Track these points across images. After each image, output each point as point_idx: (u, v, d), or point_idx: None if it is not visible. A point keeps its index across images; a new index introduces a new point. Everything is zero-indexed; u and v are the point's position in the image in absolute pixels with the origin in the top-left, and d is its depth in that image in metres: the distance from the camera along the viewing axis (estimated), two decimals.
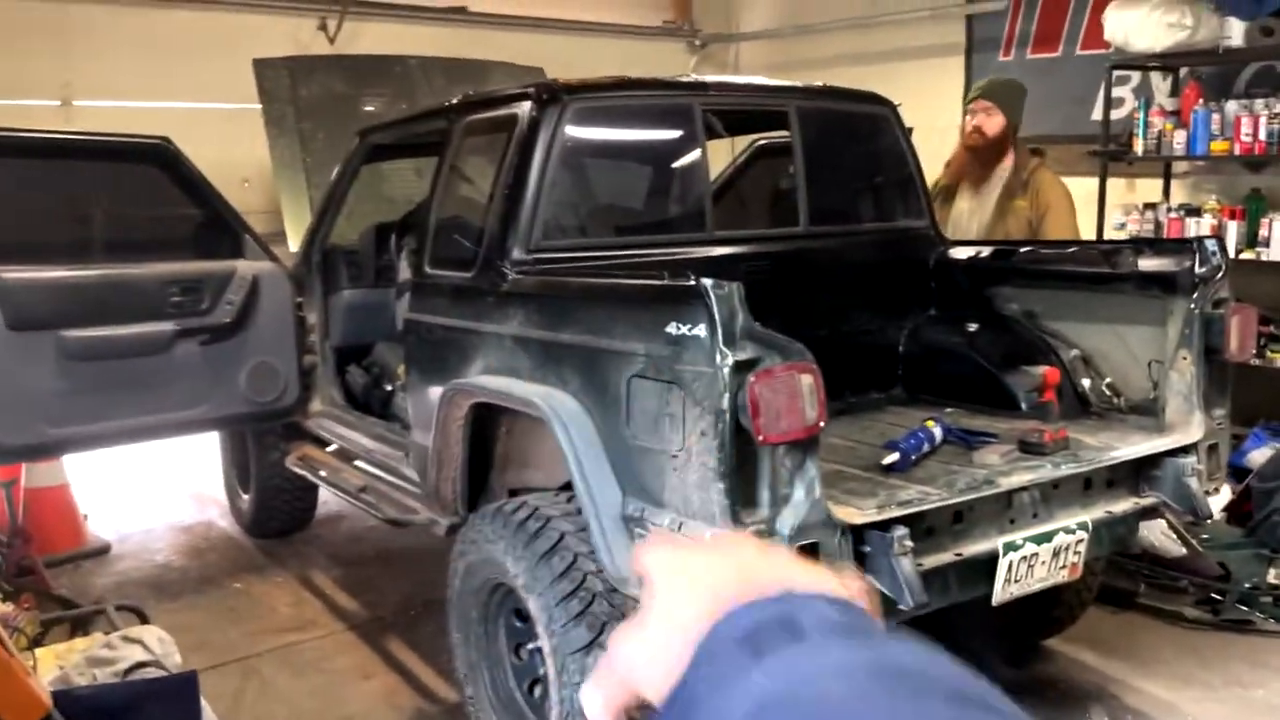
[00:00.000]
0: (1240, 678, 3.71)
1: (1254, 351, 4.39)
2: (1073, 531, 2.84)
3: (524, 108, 3.30)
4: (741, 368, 2.31)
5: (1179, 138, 5.48)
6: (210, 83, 6.77)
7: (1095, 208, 5.67)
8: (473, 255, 3.35)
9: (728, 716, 0.51)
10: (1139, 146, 5.69)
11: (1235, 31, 5.20)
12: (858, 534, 2.47)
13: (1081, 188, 4.70)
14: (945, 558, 2.66)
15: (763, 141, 4.50)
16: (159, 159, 4.25)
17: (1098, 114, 6.08)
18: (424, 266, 3.69)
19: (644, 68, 3.62)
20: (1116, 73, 5.91)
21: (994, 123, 4.60)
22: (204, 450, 5.83)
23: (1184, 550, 4.28)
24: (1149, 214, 5.73)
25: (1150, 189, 6.01)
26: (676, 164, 3.77)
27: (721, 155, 4.43)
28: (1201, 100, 5.46)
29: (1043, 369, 3.49)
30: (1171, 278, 3.22)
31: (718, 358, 2.32)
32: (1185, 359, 3.18)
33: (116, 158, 4.32)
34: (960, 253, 4.00)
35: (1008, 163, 4.61)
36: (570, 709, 2.73)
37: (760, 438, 2.31)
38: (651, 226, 3.82)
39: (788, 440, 2.34)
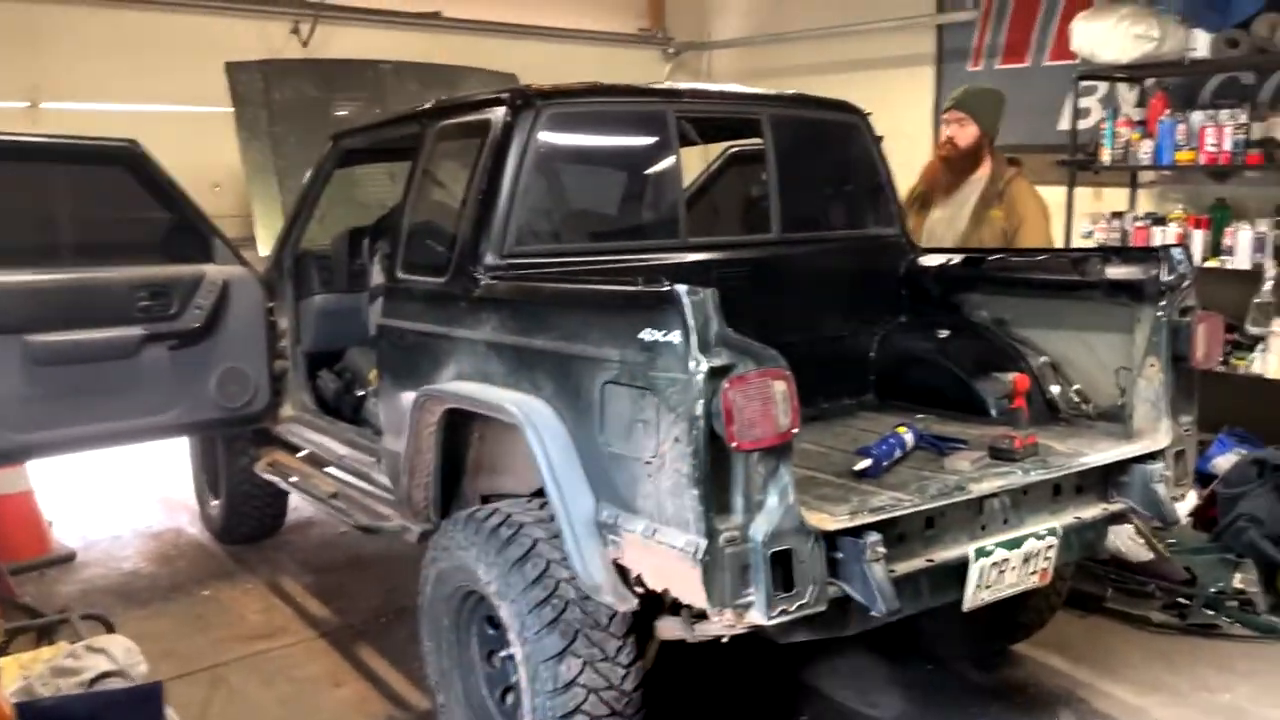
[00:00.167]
0: (1207, 682, 3.76)
1: (1220, 358, 4.46)
2: (1043, 537, 2.86)
3: (498, 113, 3.30)
4: (715, 374, 2.31)
5: (1145, 147, 5.55)
6: (181, 86, 6.70)
7: (1063, 217, 5.74)
8: (446, 260, 3.34)
9: None
10: (1106, 156, 5.75)
11: (1201, 43, 5.28)
12: (830, 540, 2.47)
13: (1049, 197, 4.73)
14: (917, 564, 2.67)
15: (735, 149, 4.51)
16: (126, 161, 4.21)
17: (1065, 124, 6.15)
18: (397, 271, 3.67)
19: (618, 75, 3.62)
20: (1083, 83, 5.97)
21: (966, 133, 4.62)
22: (173, 456, 5.77)
23: (1151, 555, 4.33)
24: (1116, 223, 5.80)
25: (1117, 198, 6.09)
26: (650, 170, 3.78)
27: (695, 162, 4.44)
28: (1167, 111, 5.53)
29: (1012, 376, 3.52)
30: (1139, 286, 3.26)
31: (691, 364, 2.32)
32: (1153, 366, 3.21)
33: (84, 160, 4.28)
34: (931, 260, 4.03)
35: (983, 172, 4.62)
36: (543, 717, 2.72)
37: (734, 444, 2.31)
38: (625, 232, 3.82)
39: (761, 447, 2.34)
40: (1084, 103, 6.11)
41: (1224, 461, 4.92)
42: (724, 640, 2.57)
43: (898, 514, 2.62)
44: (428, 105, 3.81)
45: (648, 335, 2.42)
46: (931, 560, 2.69)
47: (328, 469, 4.35)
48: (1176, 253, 3.24)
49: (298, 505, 5.30)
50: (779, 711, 3.62)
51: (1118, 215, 5.83)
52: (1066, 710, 3.60)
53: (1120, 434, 3.26)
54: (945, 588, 2.73)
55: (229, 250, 4.43)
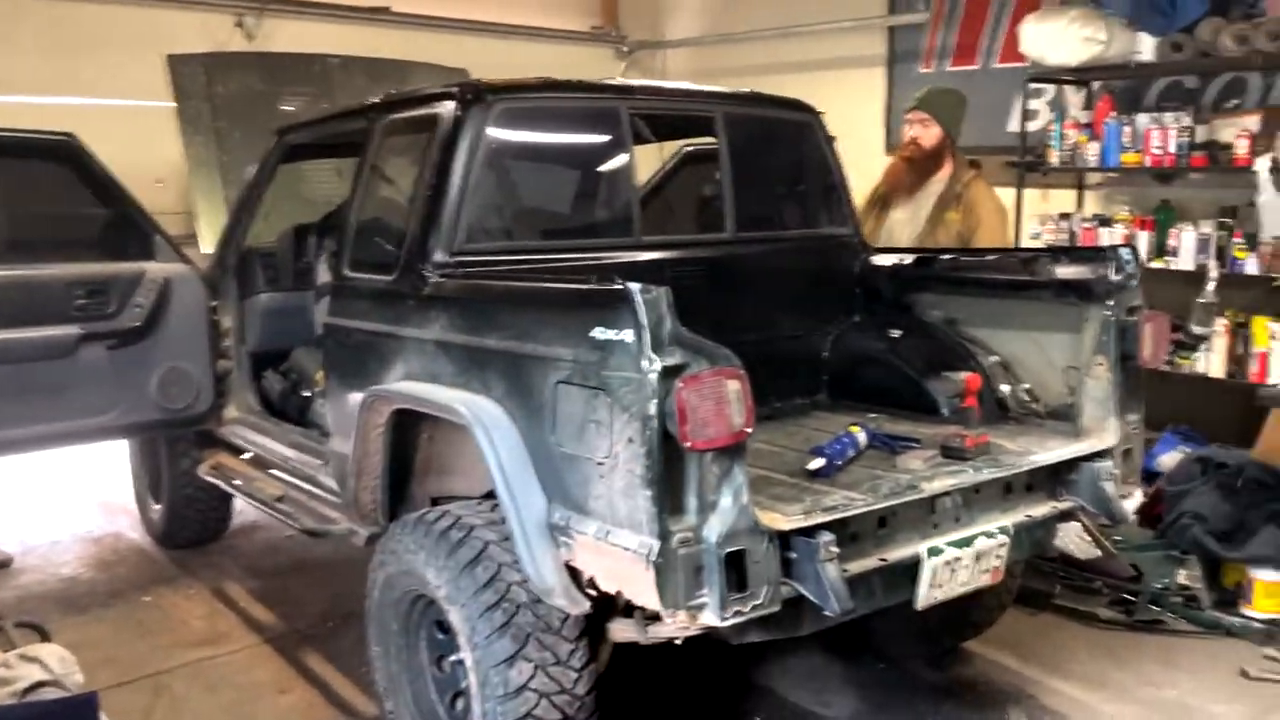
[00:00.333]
0: (1153, 678, 3.81)
1: (1165, 357, 4.53)
2: (994, 536, 2.87)
3: (447, 107, 3.25)
4: (669, 373, 2.29)
5: (1092, 150, 5.62)
6: (122, 79, 6.56)
7: (1012, 218, 5.78)
8: (394, 258, 3.28)
9: None
10: (1054, 158, 5.82)
11: (1146, 47, 5.35)
12: (784, 540, 2.46)
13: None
14: (870, 563, 2.67)
15: (690, 148, 4.50)
16: (63, 156, 4.12)
17: (1014, 126, 6.22)
18: (344, 269, 3.61)
19: (571, 73, 3.58)
20: (1032, 85, 6.04)
21: (930, 134, 4.63)
22: (113, 458, 5.65)
23: (1098, 552, 4.37)
24: (1063, 224, 5.87)
25: (1064, 199, 6.16)
26: (603, 168, 3.75)
27: (650, 161, 4.41)
28: (1114, 113, 5.61)
29: (964, 375, 3.53)
30: (1087, 285, 3.29)
31: (645, 363, 2.29)
32: (1101, 365, 3.24)
33: (19, 154, 4.17)
34: (884, 260, 4.04)
35: (943, 174, 4.64)
36: None
37: (687, 444, 2.29)
38: (578, 230, 3.79)
39: (715, 447, 2.32)
40: (1033, 105, 6.17)
41: (1169, 460, 4.99)
42: (677, 642, 2.55)
43: (851, 513, 2.61)
44: (376, 99, 3.74)
45: (600, 334, 2.39)
46: (884, 560, 2.69)
47: (273, 471, 4.27)
48: (1124, 253, 3.28)
49: (242, 509, 5.19)
50: (732, 712, 3.61)
51: (1065, 216, 5.91)
52: (1016, 707, 3.63)
53: (1069, 432, 3.29)
54: (898, 587, 2.73)
55: (170, 247, 4.35)
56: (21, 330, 3.90)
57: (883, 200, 4.78)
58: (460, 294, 3.03)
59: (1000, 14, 6.70)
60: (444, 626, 2.94)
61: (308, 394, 4.48)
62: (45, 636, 3.38)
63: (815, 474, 2.88)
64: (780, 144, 4.04)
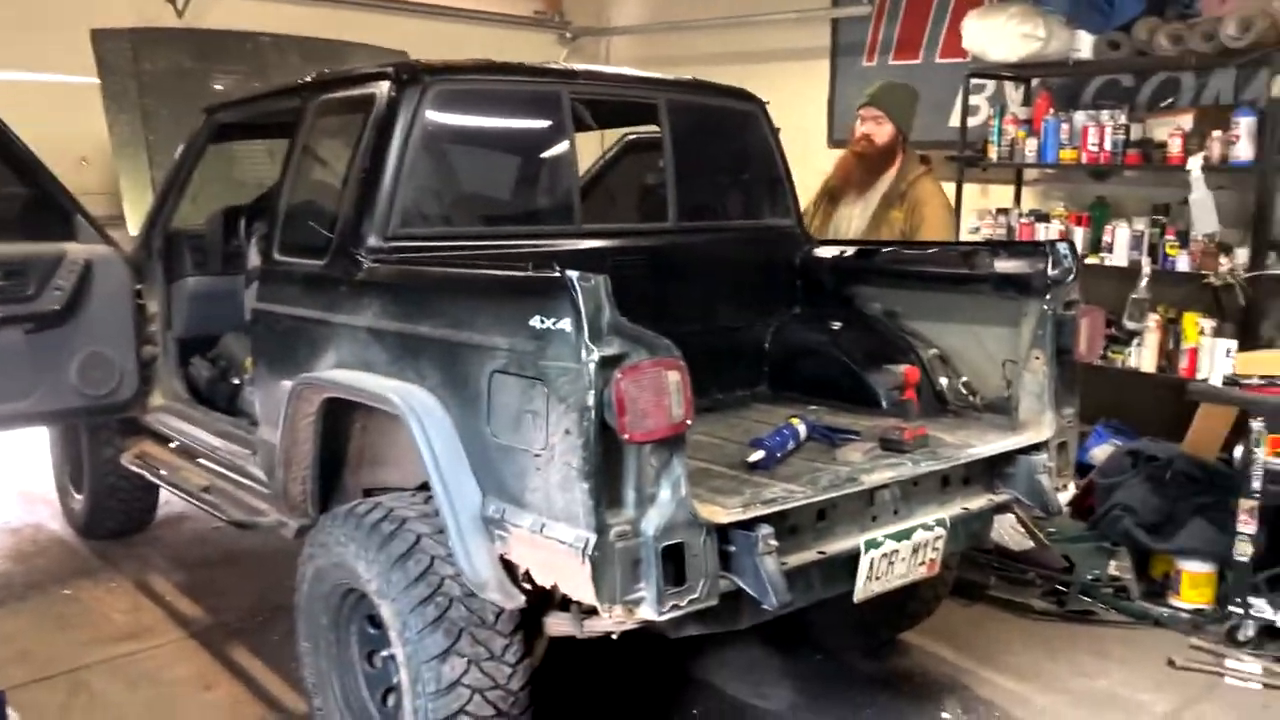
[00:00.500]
0: (1085, 668, 3.86)
1: (1100, 352, 4.58)
2: (931, 528, 2.88)
3: (382, 87, 3.16)
4: (607, 363, 2.24)
5: (1031, 146, 5.67)
6: (43, 53, 6.30)
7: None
8: (326, 242, 3.20)
9: None
10: (993, 153, 5.86)
11: (1084, 45, 5.41)
12: (722, 533, 2.43)
13: None
14: (809, 556, 2.65)
15: (633, 136, 4.44)
16: None
17: (955, 121, 6.26)
18: (274, 253, 3.52)
19: (513, 57, 3.51)
20: (974, 81, 6.08)
21: (884, 131, 4.57)
22: (33, 446, 5.47)
23: (1031, 544, 4.43)
24: (1002, 219, 5.92)
25: (1003, 195, 6.22)
26: (544, 153, 3.68)
27: (591, 150, 4.35)
28: (1052, 110, 5.67)
29: (903, 368, 3.54)
30: (1026, 279, 3.31)
31: (583, 353, 2.24)
32: (1038, 359, 3.26)
33: None
34: (825, 252, 4.04)
35: (892, 171, 4.62)
36: (425, 718, 2.61)
37: (626, 436, 2.24)
38: (517, 217, 3.72)
39: (654, 438, 2.28)
40: (974, 100, 6.22)
41: (1100, 452, 5.07)
42: (614, 636, 2.51)
43: (790, 506, 2.59)
44: (309, 78, 3.63)
45: (538, 323, 2.34)
46: (823, 552, 2.67)
47: (200, 461, 4.15)
48: (1062, 248, 3.30)
49: (169, 499, 5.04)
50: (670, 706, 3.58)
51: (1004, 211, 5.95)
52: (951, 698, 3.65)
53: (1006, 425, 3.31)
54: (836, 579, 2.72)
55: (93, 228, 4.21)
56: None
57: (832, 194, 4.73)
58: (394, 280, 2.95)
59: (943, 8, 6.73)
60: (375, 621, 2.87)
61: (236, 381, 4.37)
62: None
63: (755, 466, 2.86)
64: (724, 133, 4.01)
